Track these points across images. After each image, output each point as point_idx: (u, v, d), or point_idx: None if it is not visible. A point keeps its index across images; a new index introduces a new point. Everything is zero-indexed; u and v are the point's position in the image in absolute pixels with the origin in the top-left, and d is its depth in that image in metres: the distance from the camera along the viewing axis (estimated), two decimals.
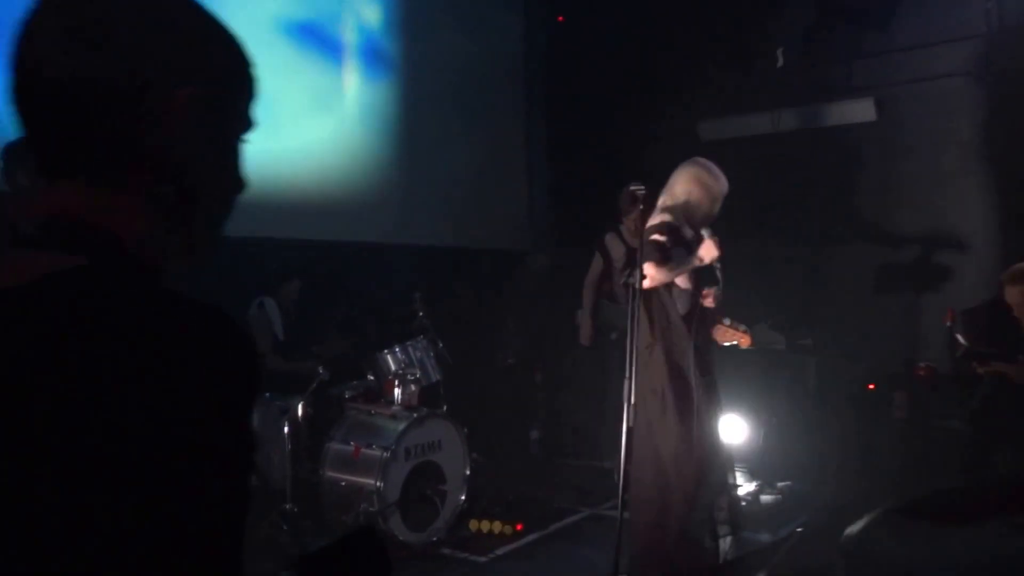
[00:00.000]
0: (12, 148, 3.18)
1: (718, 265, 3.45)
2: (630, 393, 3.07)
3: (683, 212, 3.48)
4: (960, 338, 4.73)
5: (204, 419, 0.70)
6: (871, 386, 5.59)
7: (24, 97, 0.79)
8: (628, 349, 3.13)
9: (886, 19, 5.92)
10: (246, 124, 0.88)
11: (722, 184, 3.49)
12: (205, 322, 0.74)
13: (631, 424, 3.06)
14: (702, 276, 3.49)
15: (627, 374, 3.10)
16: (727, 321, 3.61)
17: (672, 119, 6.73)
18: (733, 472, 4.12)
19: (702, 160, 3.53)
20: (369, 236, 5.85)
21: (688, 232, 3.48)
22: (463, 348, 5.12)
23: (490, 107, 7.06)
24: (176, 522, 0.68)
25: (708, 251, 3.36)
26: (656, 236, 3.40)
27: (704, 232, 3.39)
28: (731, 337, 3.58)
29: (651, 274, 3.30)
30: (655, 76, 6.85)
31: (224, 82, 0.84)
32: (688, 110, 6.67)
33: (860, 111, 6.06)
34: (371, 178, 5.94)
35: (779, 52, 5.95)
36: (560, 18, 7.49)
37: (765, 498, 4.60)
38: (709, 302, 3.48)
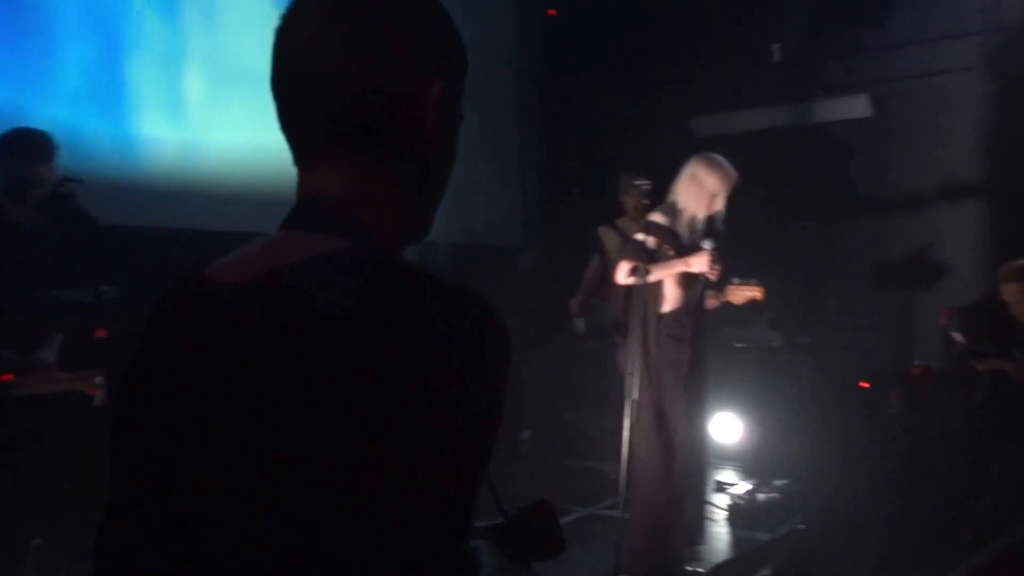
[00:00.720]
0: (6, 139, 3.14)
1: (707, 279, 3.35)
2: (632, 389, 3.03)
3: (682, 209, 3.38)
4: (956, 336, 4.72)
5: (475, 385, 0.75)
6: (864, 384, 5.58)
7: (286, 89, 0.84)
8: (632, 346, 3.08)
9: (882, 15, 5.90)
10: (461, 112, 0.92)
11: (720, 177, 3.35)
12: (467, 299, 0.78)
13: (634, 420, 3.03)
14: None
15: (630, 370, 3.07)
16: (736, 280, 3.54)
17: (666, 114, 6.69)
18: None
19: (706, 154, 3.43)
20: None
21: (683, 231, 3.36)
22: None
23: (482, 102, 6.95)
24: (443, 464, 0.75)
25: (699, 262, 3.25)
26: (640, 235, 3.33)
27: (706, 244, 3.28)
28: (745, 294, 3.51)
29: (626, 272, 3.26)
30: (649, 71, 6.80)
31: (460, 73, 0.90)
32: (682, 105, 6.63)
33: (855, 107, 6.04)
34: None
35: (775, 47, 5.91)
36: (551, 11, 7.42)
37: (761, 496, 4.56)
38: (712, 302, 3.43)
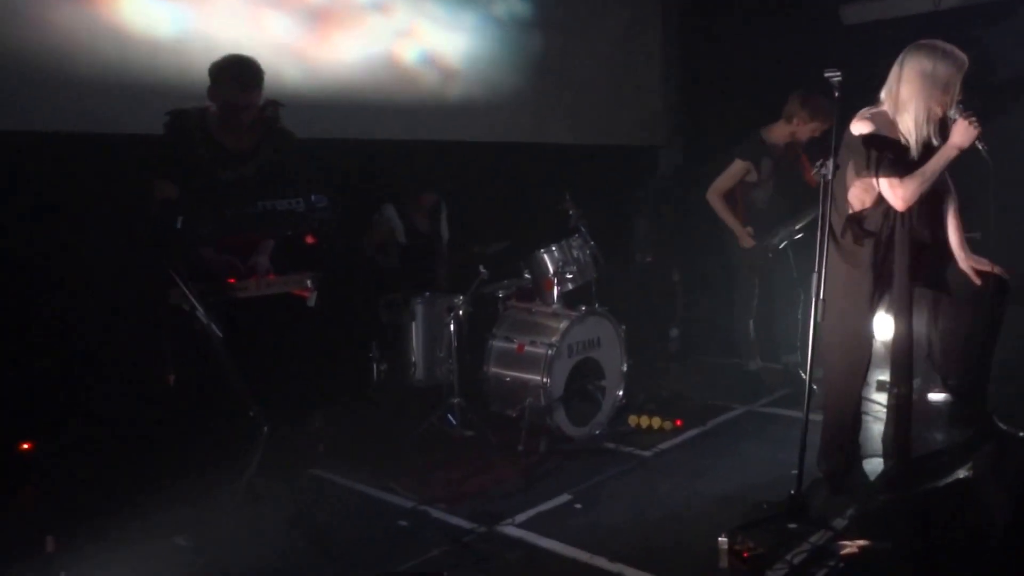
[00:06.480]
0: (220, 67, 3.29)
1: None
2: (819, 288, 3.01)
3: (906, 109, 3.03)
4: None
5: None
6: None
7: None
8: (818, 244, 3.05)
9: None
10: None
11: (947, 64, 2.97)
12: None
13: (820, 320, 3.01)
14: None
15: (816, 268, 3.04)
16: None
17: (812, 3, 6.34)
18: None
19: (922, 44, 3.05)
20: (508, 136, 5.85)
21: (910, 133, 3.04)
22: (600, 246, 5.04)
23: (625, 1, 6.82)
24: None
25: (963, 134, 2.97)
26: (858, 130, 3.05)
27: (952, 112, 3.00)
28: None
29: (900, 195, 3.03)
30: None
31: None
32: None
33: None
34: (506, 77, 5.87)
35: None
36: None
37: (934, 397, 4.47)
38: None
